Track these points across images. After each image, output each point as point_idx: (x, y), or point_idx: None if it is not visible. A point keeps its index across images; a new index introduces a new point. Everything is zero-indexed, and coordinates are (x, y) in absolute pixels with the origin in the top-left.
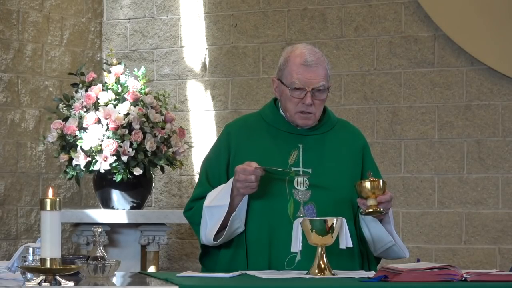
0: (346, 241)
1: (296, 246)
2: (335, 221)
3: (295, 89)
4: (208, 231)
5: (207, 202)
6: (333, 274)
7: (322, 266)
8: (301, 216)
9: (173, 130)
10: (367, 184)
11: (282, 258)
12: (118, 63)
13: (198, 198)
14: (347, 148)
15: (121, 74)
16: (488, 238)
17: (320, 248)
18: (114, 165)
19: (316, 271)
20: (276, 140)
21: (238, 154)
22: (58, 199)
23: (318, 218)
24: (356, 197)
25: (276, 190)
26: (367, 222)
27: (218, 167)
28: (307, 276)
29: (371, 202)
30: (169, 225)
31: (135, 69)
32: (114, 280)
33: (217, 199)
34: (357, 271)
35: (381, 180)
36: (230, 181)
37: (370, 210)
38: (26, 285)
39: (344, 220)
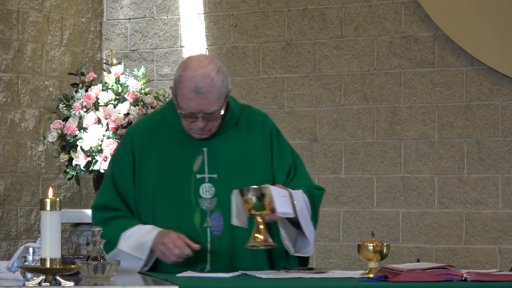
0: (279, 207)
1: (234, 219)
2: (266, 189)
3: (184, 115)
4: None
5: (123, 245)
6: (273, 243)
7: (260, 235)
8: (209, 226)
9: None
10: (370, 247)
11: (192, 269)
12: (118, 63)
13: (104, 207)
14: (254, 139)
15: (121, 74)
16: (488, 238)
17: (257, 218)
18: None
19: (254, 240)
20: (180, 145)
21: (143, 161)
22: (58, 199)
23: (252, 187)
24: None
25: (181, 200)
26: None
27: (123, 175)
28: (307, 276)
29: (372, 265)
30: None
31: (135, 69)
32: (114, 280)
33: (135, 248)
34: (357, 271)
35: (384, 244)
36: (151, 231)
37: (371, 275)
38: (26, 285)
39: (269, 187)
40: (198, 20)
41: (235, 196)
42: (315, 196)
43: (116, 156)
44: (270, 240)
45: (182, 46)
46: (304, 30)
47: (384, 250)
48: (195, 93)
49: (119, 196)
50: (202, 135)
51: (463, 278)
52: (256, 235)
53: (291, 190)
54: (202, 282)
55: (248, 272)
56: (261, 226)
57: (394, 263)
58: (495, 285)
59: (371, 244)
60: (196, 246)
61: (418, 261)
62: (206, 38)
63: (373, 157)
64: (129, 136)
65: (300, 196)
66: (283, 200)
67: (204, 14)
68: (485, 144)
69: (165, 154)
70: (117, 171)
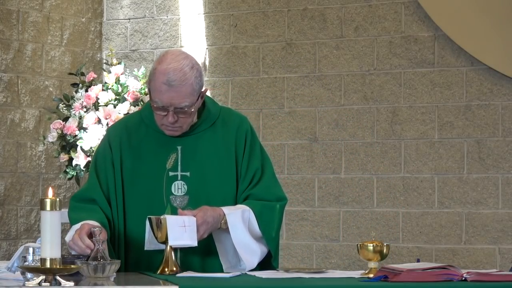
0: (172, 239)
1: (146, 244)
2: (164, 219)
3: (156, 107)
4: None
5: (68, 235)
6: (180, 270)
7: (166, 264)
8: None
9: None
10: (370, 247)
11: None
12: (118, 63)
13: (80, 199)
14: (229, 140)
15: (121, 74)
16: (488, 238)
17: (166, 245)
18: None
19: (165, 269)
20: (155, 142)
21: (119, 156)
22: (58, 199)
23: (158, 217)
24: (235, 197)
25: (152, 196)
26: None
27: (104, 169)
28: (307, 276)
29: (372, 265)
30: None
31: (135, 69)
32: (114, 280)
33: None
34: (357, 271)
35: (384, 244)
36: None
37: (371, 275)
38: (26, 285)
39: (168, 217)
40: (198, 20)
41: (147, 222)
42: (270, 210)
43: (97, 153)
44: (175, 268)
45: (182, 46)
46: (304, 30)
47: (384, 250)
48: (167, 86)
49: (100, 186)
50: (174, 132)
51: (463, 278)
52: (164, 266)
53: (226, 211)
54: (202, 282)
55: (248, 272)
56: (169, 255)
57: (394, 263)
58: (495, 285)
59: (371, 244)
60: (81, 252)
61: (418, 261)
62: (206, 38)
63: (373, 157)
64: (107, 134)
65: (238, 217)
66: (179, 231)
67: (204, 14)
68: (485, 144)
69: (140, 150)
70: (100, 167)
